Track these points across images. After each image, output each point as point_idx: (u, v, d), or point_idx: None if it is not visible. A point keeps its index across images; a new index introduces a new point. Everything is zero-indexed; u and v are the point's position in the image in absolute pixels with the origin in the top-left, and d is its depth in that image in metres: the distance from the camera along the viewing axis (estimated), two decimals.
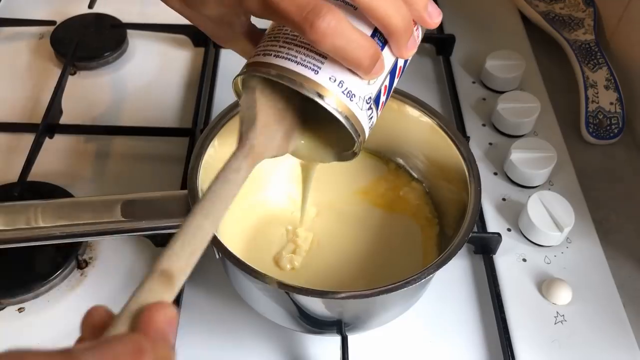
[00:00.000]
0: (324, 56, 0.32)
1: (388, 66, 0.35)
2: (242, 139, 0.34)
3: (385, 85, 0.36)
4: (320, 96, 0.32)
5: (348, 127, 0.34)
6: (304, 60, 0.32)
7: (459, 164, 0.44)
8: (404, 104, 0.47)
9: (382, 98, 0.36)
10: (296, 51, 0.33)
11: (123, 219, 0.41)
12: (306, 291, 0.37)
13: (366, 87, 0.34)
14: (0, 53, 0.69)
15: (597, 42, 0.69)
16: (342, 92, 0.33)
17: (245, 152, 0.33)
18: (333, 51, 0.31)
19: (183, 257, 0.28)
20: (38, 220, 0.40)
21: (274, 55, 0.33)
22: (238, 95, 0.37)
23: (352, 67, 0.32)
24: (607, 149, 0.63)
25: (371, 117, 0.36)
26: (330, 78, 0.33)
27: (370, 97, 0.35)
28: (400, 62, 0.37)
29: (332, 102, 0.33)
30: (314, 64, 0.32)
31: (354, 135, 0.35)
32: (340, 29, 0.30)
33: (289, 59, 0.33)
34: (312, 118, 0.39)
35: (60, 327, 0.47)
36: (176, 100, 0.65)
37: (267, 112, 0.35)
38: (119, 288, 0.49)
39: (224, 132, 0.46)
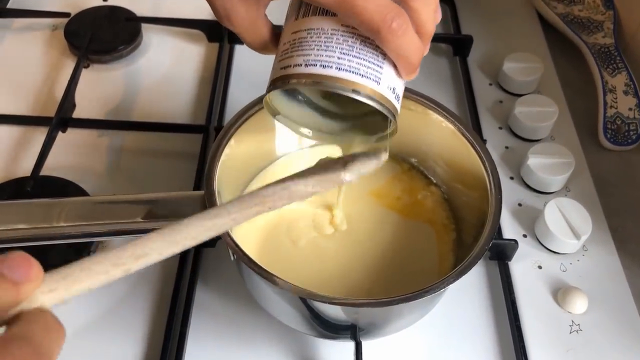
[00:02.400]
0: (380, 65, 0.34)
1: None
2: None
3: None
4: (380, 104, 0.34)
5: (392, 128, 0.37)
6: (367, 72, 0.33)
7: (480, 171, 0.44)
8: (426, 108, 0.47)
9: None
10: (357, 63, 0.33)
11: (140, 220, 0.40)
12: (323, 298, 0.37)
13: (402, 85, 0.36)
14: (13, 44, 0.69)
15: (616, 46, 0.68)
16: (394, 98, 0.35)
17: (250, 199, 0.31)
18: (398, 50, 0.33)
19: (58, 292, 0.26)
20: (59, 220, 0.39)
21: (336, 68, 0.33)
22: (271, 110, 0.38)
23: (408, 67, 0.34)
24: (624, 155, 0.62)
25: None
26: (388, 87, 0.34)
27: (401, 93, 0.37)
28: None
29: (388, 107, 0.35)
30: (375, 75, 0.34)
31: (393, 128, 0.37)
32: (410, 31, 0.33)
33: (352, 72, 0.33)
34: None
35: (73, 323, 0.47)
36: (190, 96, 0.64)
37: None
38: (130, 285, 0.49)
39: (241, 131, 0.45)
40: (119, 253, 0.27)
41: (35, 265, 0.24)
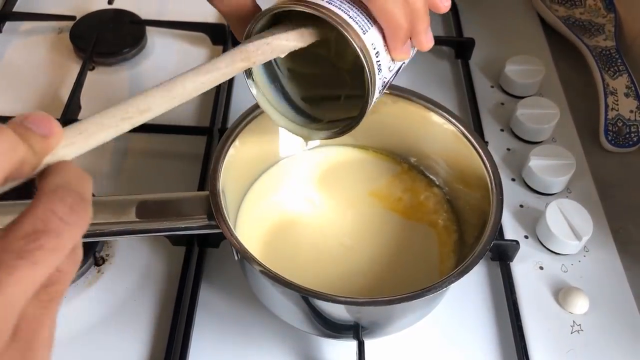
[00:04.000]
0: (368, 23, 0.34)
1: (398, 65, 0.38)
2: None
3: (389, 81, 0.38)
4: (363, 55, 0.34)
5: (369, 100, 0.36)
6: (356, 18, 0.34)
7: (481, 172, 0.44)
8: (429, 110, 0.47)
9: (383, 90, 0.39)
10: (348, 7, 0.34)
11: (145, 220, 0.41)
12: (327, 296, 0.37)
13: (387, 71, 0.36)
14: (19, 47, 0.70)
15: (617, 49, 0.68)
16: (375, 62, 0.35)
17: (234, 53, 0.33)
18: (384, 11, 0.34)
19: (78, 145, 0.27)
20: None
21: (327, 1, 0.34)
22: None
23: (392, 31, 0.35)
24: (625, 157, 0.62)
25: (376, 100, 0.38)
26: (372, 44, 0.35)
27: (384, 82, 0.37)
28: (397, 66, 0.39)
29: (368, 65, 0.35)
30: (363, 25, 0.34)
31: (366, 110, 0.37)
32: None
33: (342, 10, 0.34)
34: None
35: (77, 323, 0.47)
36: (194, 98, 0.64)
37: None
38: (135, 285, 0.50)
39: (246, 132, 0.46)
40: (125, 107, 0.29)
41: (56, 121, 0.25)
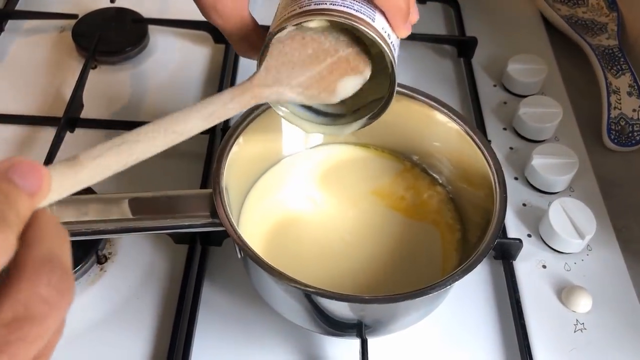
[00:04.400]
0: (372, 11, 0.36)
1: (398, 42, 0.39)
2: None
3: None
4: (381, 40, 0.35)
5: (393, 77, 0.37)
6: (361, 10, 0.35)
7: (485, 170, 0.44)
8: (432, 109, 0.47)
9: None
10: (350, 2, 0.35)
11: (148, 217, 0.41)
12: (330, 294, 0.37)
13: (396, 40, 0.38)
14: (21, 46, 0.70)
15: (620, 48, 0.68)
16: (390, 43, 0.36)
17: (242, 84, 0.31)
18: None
19: (102, 156, 0.25)
20: (68, 217, 0.40)
21: (330, 3, 0.35)
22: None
23: (396, 13, 0.36)
24: (628, 156, 0.62)
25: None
26: (382, 28, 0.36)
27: (395, 60, 0.37)
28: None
29: (387, 48, 0.36)
30: (369, 14, 0.35)
31: (394, 85, 0.38)
32: None
33: (347, 7, 0.35)
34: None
35: (80, 321, 0.47)
36: (196, 96, 0.65)
37: (282, 54, 0.33)
38: (138, 283, 0.50)
39: (249, 130, 0.46)
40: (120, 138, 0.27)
41: (45, 170, 0.22)
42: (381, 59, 0.38)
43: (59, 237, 0.22)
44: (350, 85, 0.34)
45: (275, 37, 0.34)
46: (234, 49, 0.43)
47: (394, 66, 0.37)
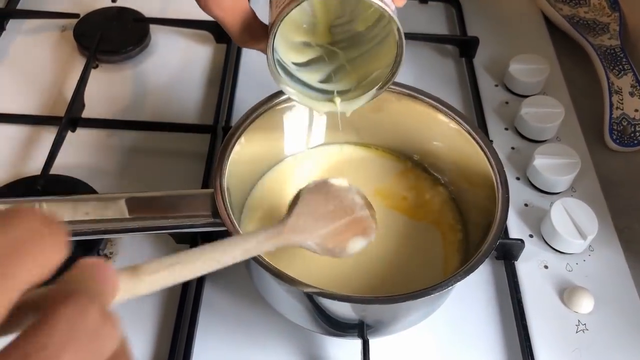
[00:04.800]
0: None
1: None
2: (280, 220, 0.37)
3: None
4: (384, 6, 0.36)
5: (402, 40, 0.38)
6: None
7: (487, 170, 0.44)
8: (434, 109, 0.47)
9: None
10: None
11: (149, 217, 0.41)
12: (332, 295, 0.37)
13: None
14: (23, 45, 0.70)
15: (622, 48, 0.68)
16: (391, 10, 0.37)
17: (275, 228, 0.35)
18: None
19: (158, 272, 0.27)
20: (69, 217, 0.40)
21: None
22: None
23: None
24: (630, 157, 0.62)
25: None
26: None
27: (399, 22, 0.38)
28: None
29: (390, 13, 0.37)
30: None
31: (401, 50, 0.38)
32: None
33: None
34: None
35: None
36: (198, 96, 0.65)
37: (309, 205, 0.38)
38: None
39: (251, 129, 0.46)
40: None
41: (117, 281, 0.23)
42: (382, 28, 0.39)
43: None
44: (358, 245, 0.38)
45: (305, 187, 0.39)
46: (233, 40, 0.43)
47: (400, 29, 0.37)
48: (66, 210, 0.40)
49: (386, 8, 0.36)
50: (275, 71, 0.41)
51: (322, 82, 0.44)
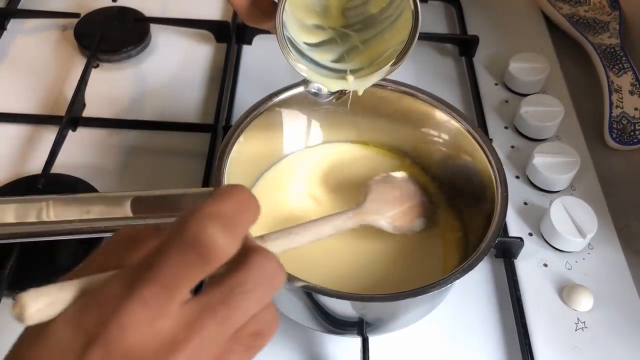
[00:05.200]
0: None
1: None
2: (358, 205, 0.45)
3: None
4: None
5: (418, 10, 0.39)
6: None
7: (486, 169, 0.44)
8: (432, 107, 0.47)
9: None
10: None
11: (150, 216, 0.41)
12: (331, 292, 0.37)
13: None
14: (24, 44, 0.70)
15: (622, 46, 0.68)
16: None
17: (354, 209, 0.44)
18: None
19: (279, 239, 0.36)
20: (50, 214, 0.40)
21: None
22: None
23: None
24: (630, 155, 0.62)
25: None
26: None
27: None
28: None
29: None
30: None
31: (418, 19, 0.39)
32: None
33: None
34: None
35: None
36: (198, 95, 0.65)
37: (379, 192, 0.46)
38: None
39: (250, 129, 0.46)
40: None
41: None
42: (395, 8, 0.40)
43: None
44: (420, 224, 0.47)
45: (374, 179, 0.47)
46: (242, 19, 0.42)
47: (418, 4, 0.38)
48: (69, 209, 0.40)
49: None
50: (286, 47, 0.41)
51: (334, 61, 0.44)
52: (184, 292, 0.24)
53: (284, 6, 0.38)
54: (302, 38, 0.43)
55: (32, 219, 0.40)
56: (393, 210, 0.46)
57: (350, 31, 0.44)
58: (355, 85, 0.44)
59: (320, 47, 0.44)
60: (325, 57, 0.44)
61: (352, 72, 0.43)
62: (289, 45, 0.41)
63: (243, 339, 0.26)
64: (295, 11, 0.42)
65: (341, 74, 0.44)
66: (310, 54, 0.43)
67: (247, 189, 0.27)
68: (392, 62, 0.42)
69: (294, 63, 0.42)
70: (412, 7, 0.39)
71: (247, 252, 0.26)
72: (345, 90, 0.45)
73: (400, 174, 0.48)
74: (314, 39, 0.43)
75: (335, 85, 0.44)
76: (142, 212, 0.41)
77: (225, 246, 0.24)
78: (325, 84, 0.44)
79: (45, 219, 0.40)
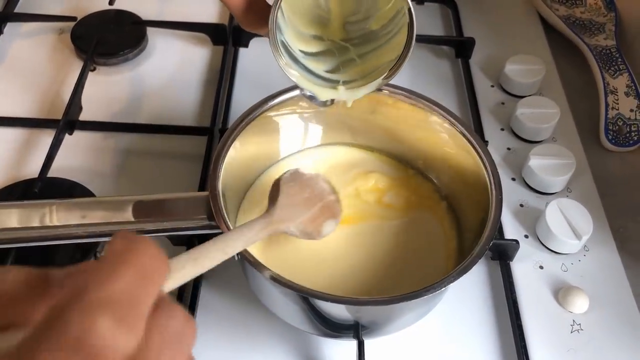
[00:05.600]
0: None
1: None
2: (267, 211, 0.41)
3: None
4: None
5: (413, 24, 0.39)
6: None
7: (480, 172, 0.44)
8: (427, 110, 0.47)
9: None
10: None
11: (146, 220, 0.41)
12: (326, 296, 0.37)
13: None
14: (21, 48, 0.70)
15: (618, 48, 0.68)
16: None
17: (265, 218, 0.39)
18: None
19: (185, 267, 0.30)
20: (53, 219, 0.40)
21: None
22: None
23: None
24: (626, 157, 0.63)
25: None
26: None
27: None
28: None
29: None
30: None
31: (412, 36, 0.39)
32: None
33: None
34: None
35: None
36: (195, 98, 0.65)
37: (289, 195, 0.42)
38: None
39: (245, 133, 0.46)
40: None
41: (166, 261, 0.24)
42: (395, 24, 0.39)
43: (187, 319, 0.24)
44: (331, 227, 0.43)
45: (282, 178, 0.43)
46: (239, 22, 0.42)
47: (412, 11, 0.38)
48: (64, 214, 0.40)
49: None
50: (277, 51, 0.40)
51: (328, 71, 0.44)
52: None
53: (278, 7, 0.38)
54: (298, 46, 0.43)
55: (36, 224, 0.40)
56: (303, 214, 0.42)
57: (349, 44, 0.44)
58: (346, 95, 0.44)
59: (316, 56, 0.44)
60: (319, 66, 0.44)
61: (344, 82, 0.44)
62: (281, 49, 0.41)
63: None
64: (294, 19, 0.42)
65: (333, 83, 0.44)
66: (305, 62, 0.43)
67: (152, 244, 0.23)
68: (384, 75, 0.42)
69: (286, 68, 0.42)
70: (408, 19, 0.39)
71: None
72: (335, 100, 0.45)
73: (308, 170, 0.45)
74: (311, 49, 0.44)
75: (326, 94, 0.44)
76: (137, 216, 0.41)
77: (121, 346, 0.19)
78: (315, 92, 0.44)
79: (48, 223, 0.40)
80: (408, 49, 0.40)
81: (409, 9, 0.38)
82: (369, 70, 0.44)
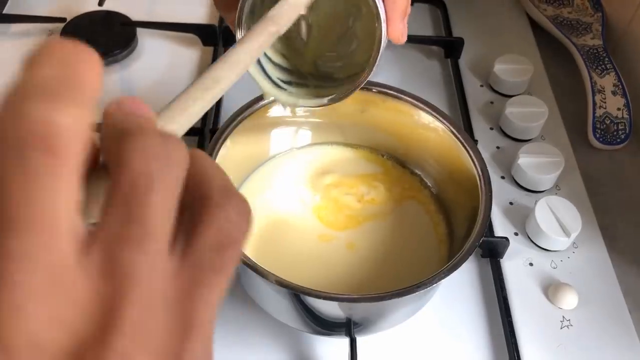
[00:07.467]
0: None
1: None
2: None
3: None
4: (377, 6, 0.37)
5: (382, 39, 0.38)
6: None
7: (470, 170, 0.45)
8: (418, 109, 0.48)
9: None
10: None
11: None
12: (317, 294, 0.37)
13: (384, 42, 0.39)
14: (10, 50, 0.69)
15: (604, 48, 0.69)
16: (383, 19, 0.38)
17: (265, 21, 0.34)
18: None
19: (179, 121, 0.27)
20: None
21: None
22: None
23: (396, 5, 0.37)
24: (613, 155, 0.63)
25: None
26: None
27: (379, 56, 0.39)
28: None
29: (380, 13, 0.37)
30: None
31: (375, 60, 0.39)
32: None
33: None
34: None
35: None
36: None
37: None
38: None
39: (237, 132, 0.46)
40: (202, 80, 0.28)
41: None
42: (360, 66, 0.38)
43: (222, 171, 0.23)
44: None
45: None
46: (224, 17, 0.42)
47: (384, 32, 0.38)
48: None
49: (380, 14, 0.37)
50: (240, 32, 0.40)
51: (281, 80, 0.43)
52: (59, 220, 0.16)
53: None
54: (266, 50, 0.42)
55: None
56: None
57: (311, 77, 0.43)
58: (287, 100, 0.42)
59: (276, 66, 0.43)
60: (275, 73, 0.43)
61: (291, 93, 0.43)
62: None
63: (202, 259, 0.20)
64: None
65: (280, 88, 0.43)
66: (263, 62, 0.42)
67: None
68: (331, 96, 0.41)
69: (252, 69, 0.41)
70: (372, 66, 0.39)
71: (208, 202, 0.21)
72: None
73: None
74: (275, 59, 0.43)
75: (269, 91, 0.43)
76: None
77: (65, 123, 0.17)
78: (262, 87, 0.42)
79: None
80: (358, 86, 0.40)
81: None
82: (319, 95, 0.43)
